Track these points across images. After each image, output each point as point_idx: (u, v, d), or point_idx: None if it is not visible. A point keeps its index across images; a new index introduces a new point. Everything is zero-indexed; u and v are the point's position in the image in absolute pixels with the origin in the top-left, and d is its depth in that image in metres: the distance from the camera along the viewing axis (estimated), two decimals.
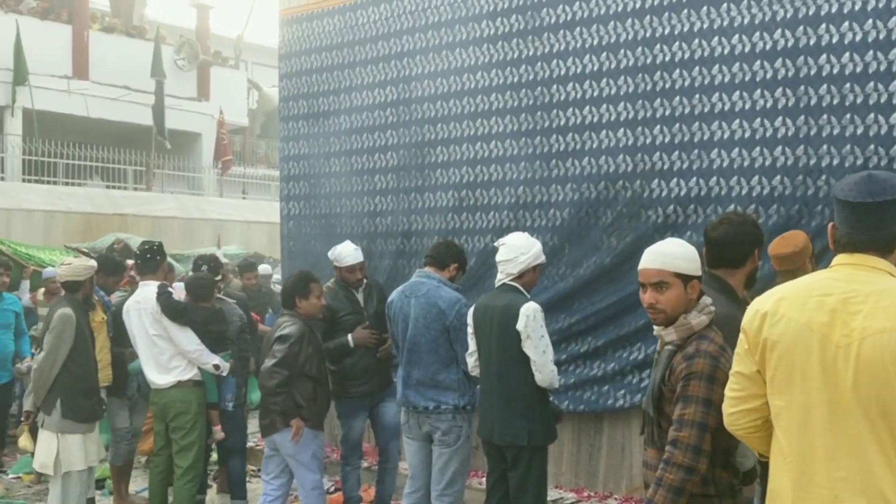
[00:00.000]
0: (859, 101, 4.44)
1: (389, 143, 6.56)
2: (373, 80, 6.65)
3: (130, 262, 6.94)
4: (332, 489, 6.23)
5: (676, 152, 5.06)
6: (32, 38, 16.36)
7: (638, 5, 5.21)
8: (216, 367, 5.39)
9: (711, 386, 2.68)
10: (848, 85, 4.47)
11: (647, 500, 2.75)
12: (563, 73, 5.53)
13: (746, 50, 4.80)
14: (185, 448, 5.34)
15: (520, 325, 4.17)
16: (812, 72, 4.58)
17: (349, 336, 5.37)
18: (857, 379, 2.16)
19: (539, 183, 5.66)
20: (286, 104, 7.39)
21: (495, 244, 4.51)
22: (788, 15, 4.67)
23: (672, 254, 2.87)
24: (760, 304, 2.39)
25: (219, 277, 5.88)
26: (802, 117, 4.62)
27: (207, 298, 5.52)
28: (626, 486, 5.36)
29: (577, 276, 5.43)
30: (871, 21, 4.41)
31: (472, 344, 4.51)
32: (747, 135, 4.81)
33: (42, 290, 7.99)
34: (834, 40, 4.52)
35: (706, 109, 4.95)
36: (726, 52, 4.88)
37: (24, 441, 5.55)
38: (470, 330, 4.50)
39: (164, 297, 5.31)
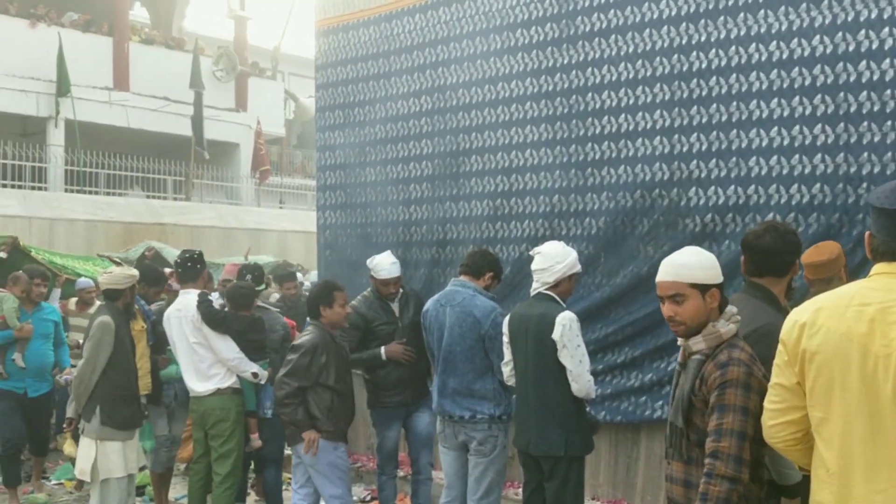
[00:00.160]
0: None
1: (425, 153, 6.59)
2: (408, 90, 6.68)
3: (168, 270, 7.05)
4: (369, 498, 6.25)
5: (714, 160, 5.01)
6: (74, 51, 16.69)
7: (674, 12, 5.18)
8: (255, 375, 5.44)
9: (747, 394, 2.64)
10: (888, 91, 4.39)
11: None
12: (598, 81, 5.51)
13: (784, 57, 4.75)
14: (224, 455, 5.40)
15: (556, 335, 4.15)
16: (852, 78, 4.52)
17: (382, 349, 5.36)
18: None
19: (574, 191, 5.64)
20: (322, 114, 7.45)
21: (531, 253, 4.50)
22: (827, 21, 4.61)
23: (686, 264, 2.84)
24: (798, 315, 2.36)
25: (262, 287, 5.92)
26: (842, 124, 4.55)
27: (247, 307, 5.58)
28: (665, 498, 5.30)
29: (614, 285, 5.40)
30: None
31: (507, 353, 4.50)
32: (786, 142, 4.75)
33: (74, 299, 8.06)
34: (874, 46, 4.45)
35: (744, 117, 4.90)
36: (764, 58, 4.82)
37: (68, 448, 5.63)
38: (505, 339, 4.50)
39: (204, 306, 5.38)
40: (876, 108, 4.44)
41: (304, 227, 15.72)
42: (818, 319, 2.30)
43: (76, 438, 5.48)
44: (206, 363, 5.41)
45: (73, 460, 5.71)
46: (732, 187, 4.93)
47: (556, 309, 4.24)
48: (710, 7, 5.04)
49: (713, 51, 5.01)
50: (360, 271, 6.95)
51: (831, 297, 2.35)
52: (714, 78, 5.01)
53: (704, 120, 5.05)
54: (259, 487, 6.35)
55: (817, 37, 4.63)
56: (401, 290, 5.51)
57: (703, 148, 5.05)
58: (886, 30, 4.40)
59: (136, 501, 5.93)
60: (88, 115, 16.99)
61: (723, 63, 4.98)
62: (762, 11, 4.84)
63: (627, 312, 5.33)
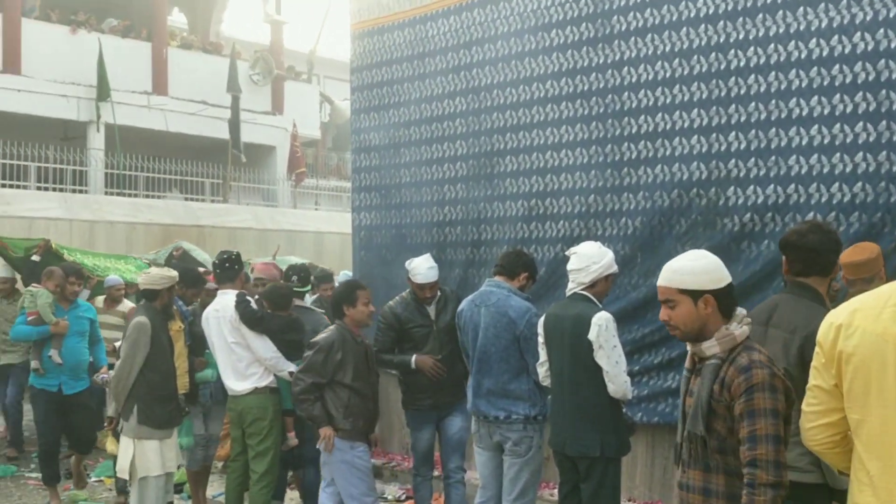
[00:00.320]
0: None
1: (459, 154, 6.60)
2: (442, 91, 6.70)
3: (202, 269, 7.12)
4: (404, 497, 6.28)
5: (753, 159, 4.96)
6: (114, 56, 16.93)
7: (711, 10, 5.13)
8: (291, 374, 5.47)
9: (775, 395, 2.60)
10: None
11: None
12: (634, 80, 5.48)
13: (825, 54, 4.69)
14: (261, 454, 5.44)
15: (592, 335, 4.13)
16: (894, 75, 4.44)
17: (413, 357, 5.34)
18: None
19: (610, 191, 5.61)
20: (358, 116, 7.50)
21: (567, 253, 4.49)
22: (868, 17, 4.54)
23: (677, 269, 2.81)
24: (835, 317, 2.34)
25: (308, 288, 5.93)
26: (884, 122, 4.48)
27: (285, 307, 5.62)
28: None
29: (650, 285, 5.35)
30: None
31: (542, 354, 4.49)
32: (826, 141, 4.68)
33: (102, 297, 8.10)
34: None
35: (783, 115, 4.84)
36: (803, 56, 4.77)
37: (110, 445, 5.71)
38: (540, 339, 4.49)
39: (242, 306, 5.43)
40: None
41: (339, 228, 15.81)
42: (854, 321, 2.28)
43: (117, 437, 5.56)
44: (244, 362, 5.46)
45: (114, 458, 5.79)
46: (772, 186, 4.87)
47: (592, 309, 4.22)
48: (749, 4, 4.99)
49: (751, 48, 4.96)
50: (395, 272, 6.98)
51: (867, 299, 2.33)
52: (752, 76, 4.95)
53: (743, 118, 5.00)
54: (296, 487, 6.39)
55: (858, 33, 4.57)
56: (439, 293, 5.46)
57: (742, 147, 5.00)
58: None
59: (174, 499, 6.00)
60: (128, 119, 17.24)
61: (761, 61, 4.93)
62: (801, 8, 4.78)
63: None
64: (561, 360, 4.31)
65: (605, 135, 5.63)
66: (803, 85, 4.76)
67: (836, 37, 4.64)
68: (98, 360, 6.98)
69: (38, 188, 15.43)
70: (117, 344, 6.75)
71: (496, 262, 5.04)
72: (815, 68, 4.71)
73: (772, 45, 4.88)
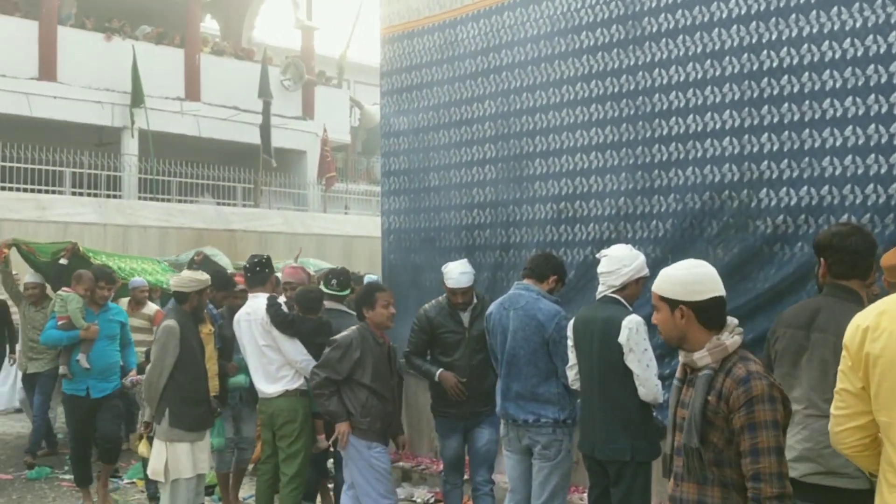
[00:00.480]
0: None
1: (488, 157, 6.60)
2: (472, 95, 6.70)
3: (232, 271, 7.16)
4: (433, 500, 6.27)
5: (786, 160, 4.90)
6: (148, 63, 17.16)
7: (743, 11, 5.09)
8: None
9: (774, 406, 2.57)
10: None
11: None
12: (665, 81, 5.44)
13: (859, 54, 4.62)
14: (292, 456, 5.46)
15: (622, 338, 4.10)
16: None
17: (438, 372, 5.32)
18: None
19: (641, 194, 5.57)
20: (387, 120, 7.53)
21: (597, 256, 4.46)
22: None
23: (662, 275, 2.81)
24: (861, 320, 2.32)
25: (348, 291, 5.93)
26: None
27: (315, 310, 5.64)
28: None
29: None
30: None
31: (572, 357, 4.46)
32: (861, 141, 4.61)
33: (126, 299, 8.05)
34: None
35: (817, 116, 4.78)
36: (837, 56, 4.70)
37: (142, 448, 5.74)
38: (570, 343, 4.46)
39: (273, 309, 5.46)
40: None
41: (369, 232, 15.88)
42: (881, 323, 2.26)
43: (151, 441, 5.58)
44: (275, 365, 5.49)
45: (144, 461, 5.83)
46: (805, 188, 4.81)
47: (622, 312, 4.19)
48: (782, 5, 4.93)
49: (784, 49, 4.91)
50: (424, 275, 7.00)
51: (893, 301, 2.32)
52: (785, 77, 4.90)
53: (776, 120, 4.94)
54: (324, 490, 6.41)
55: (893, 33, 4.50)
56: (475, 300, 5.36)
57: (775, 148, 4.94)
58: None
59: (205, 500, 6.04)
60: (161, 125, 17.46)
61: (794, 61, 4.87)
62: (835, 8, 4.72)
63: None
64: (591, 364, 4.28)
65: (636, 137, 5.60)
66: (837, 85, 4.70)
67: (870, 36, 4.58)
68: (128, 364, 6.90)
69: (73, 193, 15.68)
70: (143, 349, 6.83)
71: (525, 265, 5.01)
72: (850, 68, 4.65)
73: (805, 46, 4.82)
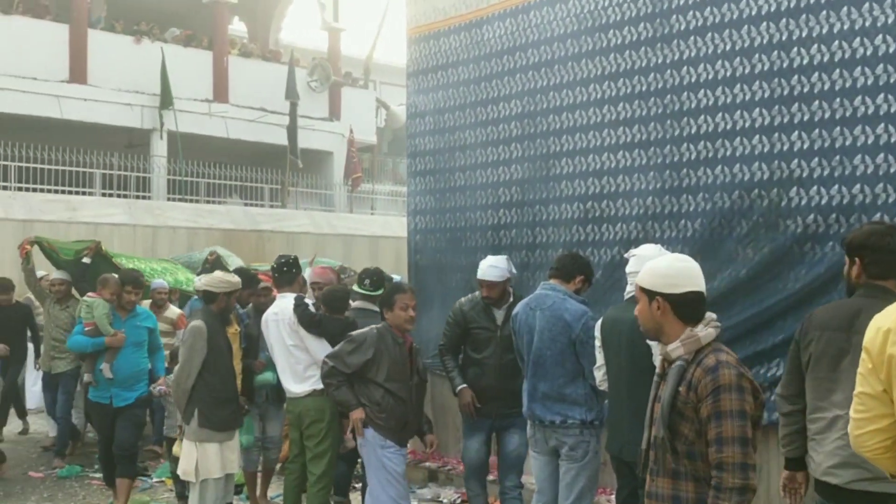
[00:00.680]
0: None
1: (514, 157, 6.58)
2: (498, 94, 6.68)
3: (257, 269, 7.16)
4: (459, 501, 6.27)
5: (816, 159, 4.83)
6: (176, 65, 17.31)
7: (773, 8, 5.02)
8: None
9: (742, 396, 2.58)
10: None
11: None
12: (693, 79, 5.39)
13: (891, 51, 4.54)
14: (319, 455, 5.47)
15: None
16: None
17: (459, 386, 5.34)
18: None
19: (669, 193, 5.52)
20: (413, 121, 7.53)
21: (625, 255, 4.43)
22: None
23: (646, 267, 2.86)
24: (882, 321, 2.30)
25: (381, 291, 5.93)
26: None
27: (341, 310, 5.66)
28: None
29: (711, 289, 5.19)
30: None
31: (599, 357, 4.44)
32: (893, 139, 4.53)
33: (147, 301, 7.89)
34: None
35: (848, 114, 4.71)
36: (869, 53, 4.63)
37: (176, 448, 5.78)
38: (598, 343, 4.44)
39: (300, 309, 5.48)
40: None
41: (395, 232, 15.92)
42: None
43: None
44: (303, 365, 5.51)
45: (175, 460, 5.87)
46: (836, 187, 4.74)
47: None
48: (812, 2, 4.87)
49: (815, 46, 4.84)
50: (450, 275, 6.99)
51: None
52: (816, 74, 4.83)
53: (806, 118, 4.87)
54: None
55: None
56: (511, 299, 5.32)
57: (805, 146, 4.88)
58: None
59: (234, 499, 6.07)
60: (190, 127, 17.60)
61: (825, 59, 4.80)
62: (867, 5, 4.64)
63: (725, 317, 5.14)
64: (619, 364, 4.25)
65: (664, 136, 5.55)
66: (869, 83, 4.62)
67: None
68: (156, 370, 6.72)
69: (104, 195, 15.84)
70: (165, 353, 6.82)
71: (552, 265, 5.00)
72: (882, 65, 4.57)
73: (836, 42, 4.75)
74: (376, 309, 5.81)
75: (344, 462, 5.93)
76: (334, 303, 5.65)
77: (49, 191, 14.92)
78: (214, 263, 9.49)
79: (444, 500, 6.39)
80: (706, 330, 2.72)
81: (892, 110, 4.54)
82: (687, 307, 2.74)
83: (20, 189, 14.60)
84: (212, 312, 5.45)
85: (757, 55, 5.08)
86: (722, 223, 5.24)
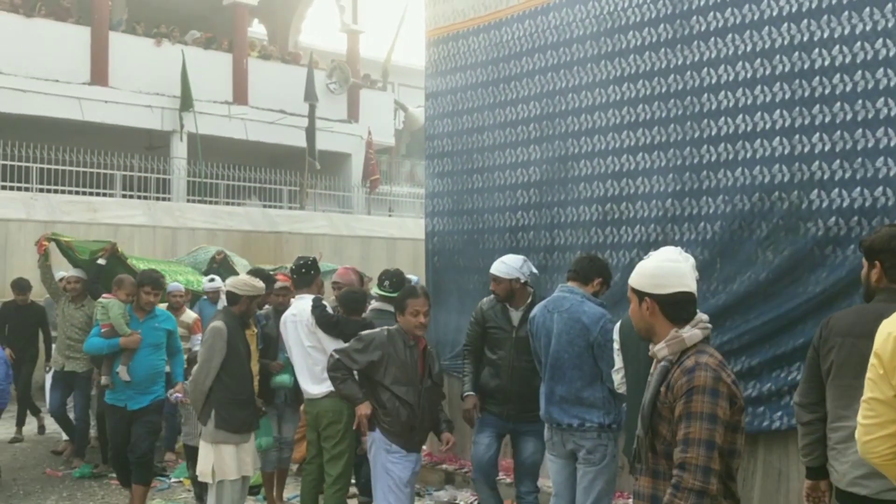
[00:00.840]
0: None
1: (532, 158, 6.56)
2: (516, 96, 6.67)
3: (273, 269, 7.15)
4: (475, 503, 6.25)
5: (838, 161, 4.78)
6: (197, 67, 17.43)
7: (794, 9, 4.98)
8: None
9: (715, 400, 2.54)
10: None
11: None
12: (714, 81, 5.36)
13: None
14: (336, 456, 5.48)
15: None
16: None
17: (468, 394, 5.32)
18: None
19: (688, 195, 5.49)
20: (432, 122, 7.53)
21: (644, 258, 4.39)
22: None
23: (637, 267, 2.86)
24: (892, 326, 2.27)
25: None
26: None
27: (359, 311, 5.66)
28: None
29: (730, 292, 5.22)
30: None
31: (618, 360, 4.41)
32: None
33: (163, 305, 7.58)
34: None
35: (870, 115, 4.66)
36: (891, 55, 4.58)
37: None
38: (616, 346, 4.41)
39: (318, 310, 5.49)
40: None
41: (412, 234, 15.94)
42: None
43: None
44: (320, 366, 5.50)
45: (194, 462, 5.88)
46: (858, 189, 4.69)
47: None
48: (834, 2, 4.82)
49: (836, 47, 4.80)
50: (468, 277, 6.98)
51: None
52: (838, 75, 4.79)
53: (827, 119, 4.83)
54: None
55: None
56: (530, 299, 5.24)
57: (826, 148, 4.83)
58: None
59: (250, 500, 6.09)
60: (209, 129, 17.70)
61: (847, 60, 4.76)
62: (889, 5, 4.60)
63: (745, 320, 5.14)
64: (637, 367, 4.22)
65: (684, 137, 5.52)
66: (891, 84, 4.57)
67: None
68: (174, 375, 6.62)
69: (124, 196, 15.96)
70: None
71: (570, 268, 4.97)
72: None
73: (858, 44, 4.71)
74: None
75: (369, 463, 5.92)
76: (352, 304, 5.65)
77: (70, 192, 15.06)
78: (222, 263, 9.53)
79: (461, 503, 6.38)
80: (692, 331, 2.70)
81: None
82: (675, 307, 2.73)
83: (42, 190, 14.73)
84: (232, 314, 5.46)
85: (778, 56, 5.04)
86: (742, 226, 5.20)
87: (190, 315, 8.07)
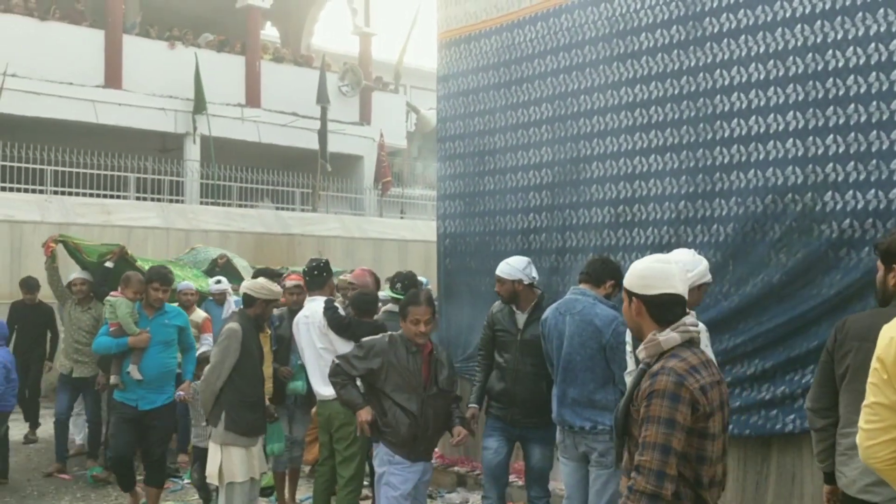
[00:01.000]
0: None
1: (544, 160, 6.55)
2: (529, 98, 6.67)
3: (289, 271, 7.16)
4: None
5: (852, 163, 4.76)
6: (210, 70, 17.50)
7: (808, 10, 4.96)
8: None
9: (674, 405, 2.53)
10: None
11: None
12: (727, 83, 5.34)
13: None
14: (348, 459, 5.48)
15: None
16: None
17: (472, 405, 5.29)
18: None
19: (701, 197, 5.47)
20: (443, 125, 7.53)
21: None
22: None
23: (630, 267, 2.87)
24: (894, 331, 2.24)
25: None
26: None
27: (370, 313, 5.67)
28: None
29: (743, 294, 5.20)
30: None
31: (630, 363, 4.39)
32: None
33: (174, 304, 7.53)
34: None
35: (884, 117, 4.63)
36: None
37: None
38: (629, 348, 4.39)
39: (330, 312, 5.50)
40: None
41: (424, 236, 15.95)
42: None
43: None
44: None
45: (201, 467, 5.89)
46: (872, 191, 4.66)
47: None
48: (847, 3, 4.80)
49: (850, 48, 4.77)
50: (480, 279, 6.98)
51: None
52: (852, 77, 4.76)
53: (841, 121, 4.80)
54: None
55: None
56: (534, 302, 5.21)
57: (840, 150, 4.80)
58: None
59: (262, 502, 6.09)
60: (222, 131, 17.77)
61: (861, 61, 4.73)
62: None
63: (758, 323, 5.12)
64: None
65: (697, 139, 5.50)
66: None
67: None
68: (185, 373, 6.50)
69: (137, 198, 16.05)
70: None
71: (582, 270, 4.96)
72: None
73: (872, 45, 4.68)
74: None
75: None
76: (363, 306, 5.66)
77: (84, 194, 15.15)
78: (224, 267, 9.52)
79: None
80: (669, 334, 2.70)
81: None
82: (660, 309, 2.74)
83: (56, 192, 14.83)
84: (247, 316, 5.46)
85: (791, 58, 5.02)
86: (755, 228, 5.18)
87: (200, 314, 7.97)
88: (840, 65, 4.81)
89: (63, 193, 14.87)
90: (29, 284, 9.05)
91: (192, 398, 6.26)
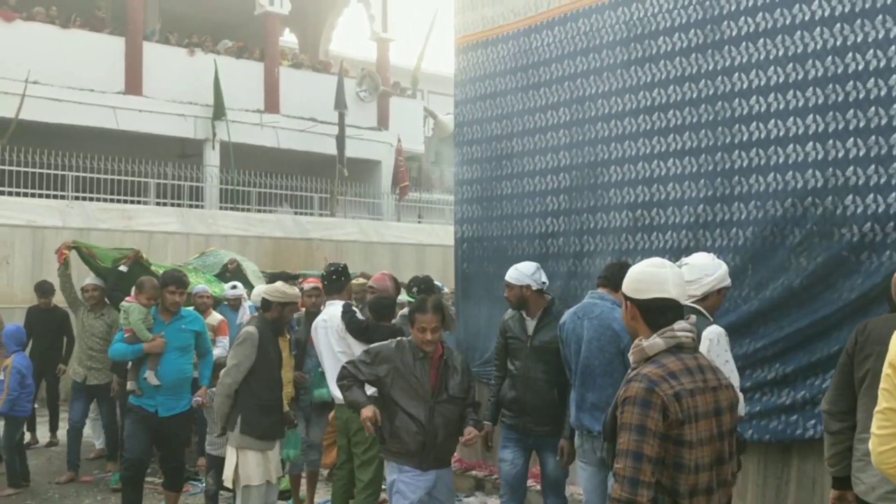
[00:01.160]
0: None
1: (562, 165, 6.55)
2: (546, 102, 6.66)
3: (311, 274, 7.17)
4: None
5: (873, 166, 4.72)
6: (229, 76, 17.62)
7: (827, 13, 4.93)
8: None
9: (646, 411, 2.51)
10: None
11: None
12: (745, 86, 5.32)
13: None
14: (366, 462, 5.48)
15: (702, 349, 3.97)
16: None
17: (487, 422, 5.24)
18: None
19: (720, 201, 5.45)
20: (461, 129, 7.55)
21: (677, 264, 4.37)
22: None
23: (629, 270, 2.87)
24: None
25: None
26: None
27: (388, 318, 5.68)
28: None
29: (763, 298, 5.17)
30: None
31: None
32: None
33: (190, 307, 7.46)
34: None
35: None
36: None
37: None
38: None
39: (348, 316, 5.52)
40: None
41: (441, 240, 15.98)
42: None
43: None
44: None
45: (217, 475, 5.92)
46: (893, 194, 4.62)
47: (702, 323, 4.07)
48: (867, 6, 4.76)
49: (870, 51, 4.74)
50: (497, 284, 6.95)
51: None
52: (872, 80, 4.72)
53: (862, 124, 4.77)
54: None
55: None
56: (544, 308, 5.19)
57: (861, 153, 4.77)
58: None
59: None
60: (241, 137, 17.88)
61: (881, 64, 4.70)
62: None
63: (778, 327, 5.08)
64: None
65: (715, 143, 5.48)
66: None
67: None
68: (201, 377, 6.39)
69: (157, 203, 16.17)
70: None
71: (600, 274, 4.95)
72: None
73: (892, 48, 4.65)
74: None
75: None
76: (380, 310, 5.67)
77: (105, 200, 15.27)
78: (234, 272, 9.55)
79: None
80: (654, 340, 2.68)
81: None
82: (652, 313, 2.73)
83: (77, 198, 14.95)
84: (265, 320, 5.49)
85: (810, 61, 4.99)
86: (774, 232, 5.15)
87: (216, 317, 7.91)
88: (860, 68, 4.78)
89: (84, 199, 14.99)
90: (43, 289, 9.04)
91: (208, 404, 6.28)
